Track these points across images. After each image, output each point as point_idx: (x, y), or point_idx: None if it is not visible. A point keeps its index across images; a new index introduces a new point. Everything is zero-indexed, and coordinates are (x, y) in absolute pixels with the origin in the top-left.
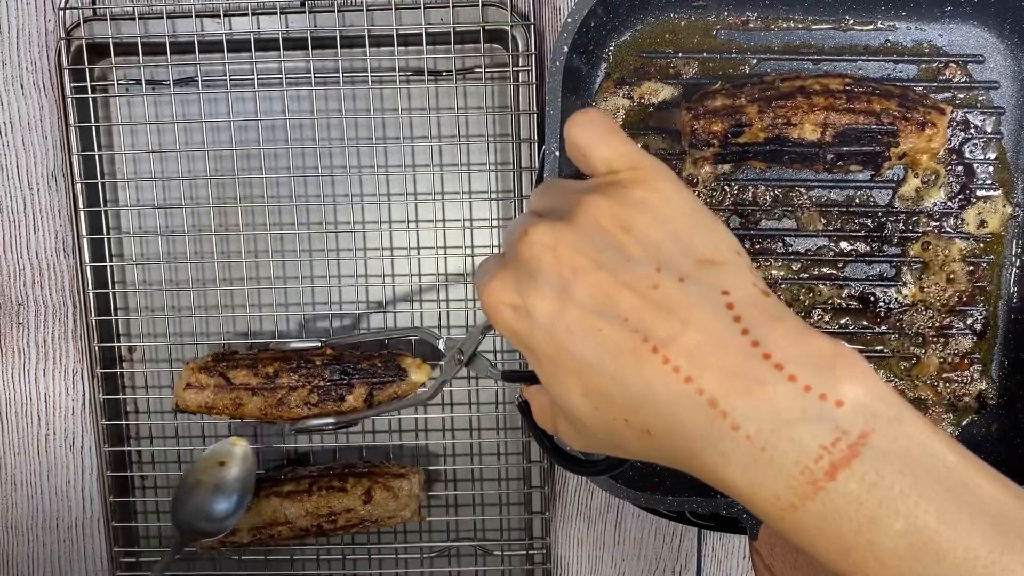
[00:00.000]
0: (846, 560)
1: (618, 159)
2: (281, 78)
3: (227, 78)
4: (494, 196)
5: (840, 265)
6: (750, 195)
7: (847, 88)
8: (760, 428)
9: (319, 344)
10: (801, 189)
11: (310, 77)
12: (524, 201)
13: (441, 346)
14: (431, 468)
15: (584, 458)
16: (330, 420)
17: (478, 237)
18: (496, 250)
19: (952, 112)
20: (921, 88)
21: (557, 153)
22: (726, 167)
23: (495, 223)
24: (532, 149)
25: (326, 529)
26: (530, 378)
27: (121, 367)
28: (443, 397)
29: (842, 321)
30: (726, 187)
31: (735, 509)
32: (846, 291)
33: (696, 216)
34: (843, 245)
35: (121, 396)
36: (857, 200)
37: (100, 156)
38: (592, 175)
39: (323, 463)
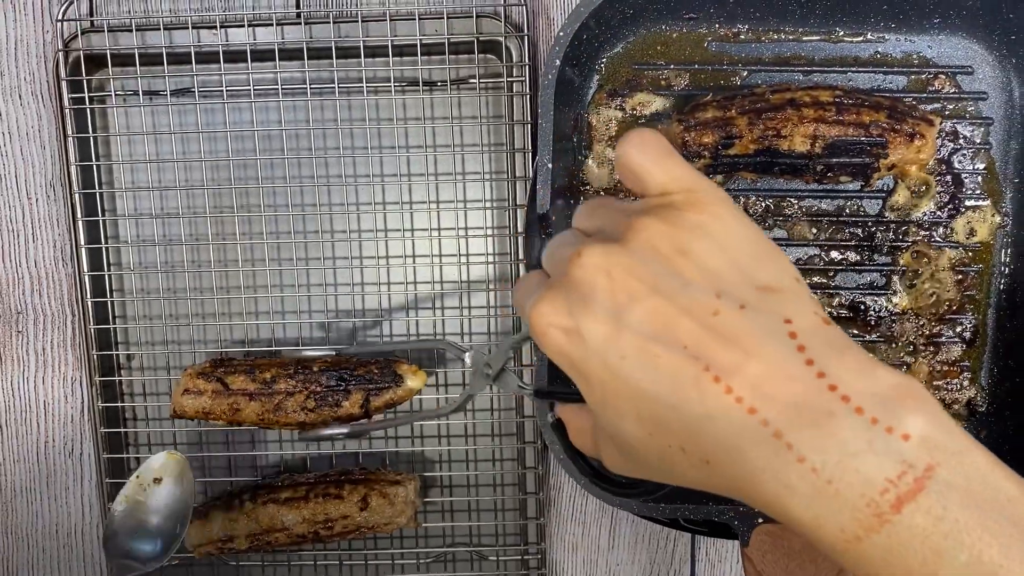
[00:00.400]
0: None
1: (673, 182)
2: (277, 88)
3: (223, 88)
4: (489, 205)
5: (831, 274)
6: (741, 205)
7: (836, 100)
8: (826, 461)
9: (334, 353)
10: (792, 199)
11: (306, 87)
12: (519, 211)
13: (467, 360)
14: (427, 474)
15: (624, 482)
16: (343, 430)
17: (473, 245)
18: (492, 258)
19: (941, 123)
20: (910, 99)
21: (550, 165)
22: (718, 178)
23: (490, 231)
24: (526, 159)
25: (323, 536)
26: (565, 396)
27: (119, 375)
28: (438, 404)
29: None
30: None
31: (726, 516)
32: (836, 300)
33: (755, 242)
34: (833, 254)
35: (119, 404)
36: (847, 210)
37: (98, 166)
38: (643, 196)
39: (320, 470)
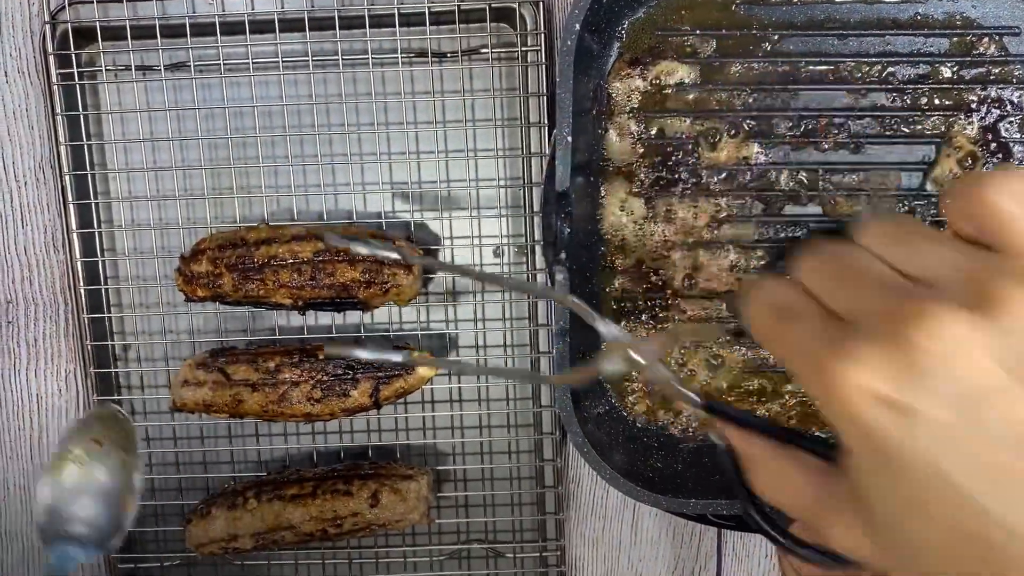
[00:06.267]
0: None
1: None
2: (277, 62)
3: (221, 62)
4: (503, 183)
5: None
6: (773, 179)
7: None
8: None
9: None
10: (827, 173)
11: (308, 60)
12: (534, 189)
13: (602, 330)
14: (440, 468)
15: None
16: (395, 357)
17: (486, 227)
18: (506, 240)
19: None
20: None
21: (569, 138)
22: (754, 147)
23: (503, 212)
24: (542, 134)
25: (332, 534)
26: (746, 421)
27: (116, 366)
28: (451, 394)
29: None
30: (749, 171)
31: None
32: None
33: None
34: None
35: (116, 397)
36: (886, 184)
37: (89, 146)
38: (1010, 253)
39: (328, 465)
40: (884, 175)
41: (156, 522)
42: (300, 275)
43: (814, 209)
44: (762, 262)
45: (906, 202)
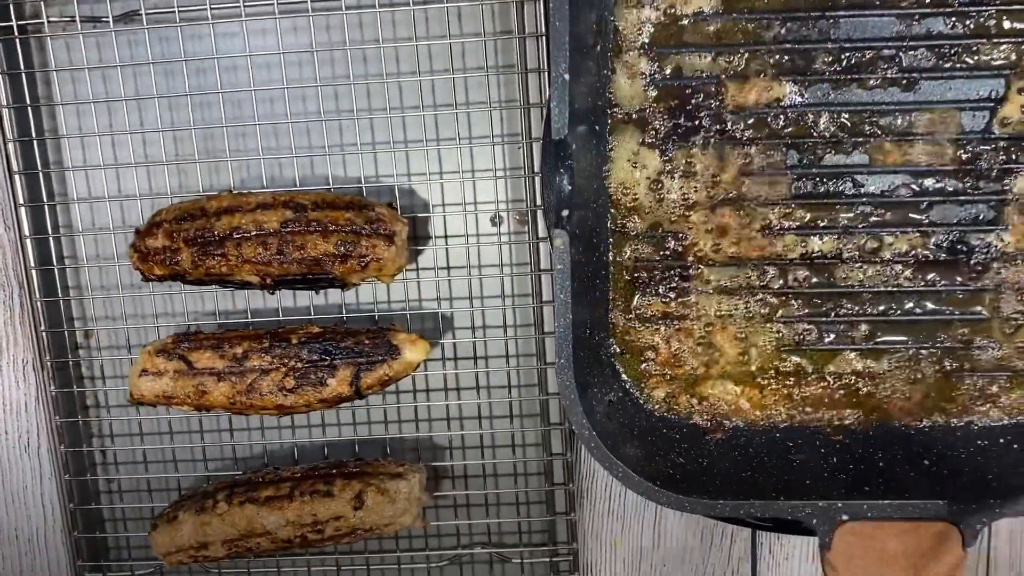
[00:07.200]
0: None
1: None
2: (240, 8)
3: (176, 9)
4: (498, 140)
5: (924, 207)
6: (810, 124)
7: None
8: None
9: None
10: (874, 115)
11: (273, 5)
12: (535, 146)
13: None
14: (436, 464)
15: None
16: None
17: (481, 191)
18: (503, 206)
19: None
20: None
21: (566, 76)
22: (788, 87)
23: (500, 173)
24: (542, 81)
25: (312, 540)
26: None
27: (76, 355)
28: (446, 381)
29: (928, 277)
30: (782, 115)
31: (802, 512)
32: (932, 240)
33: None
34: (928, 182)
35: (75, 389)
36: (944, 127)
37: (36, 108)
38: None
39: (311, 462)
40: (942, 116)
41: (125, 526)
42: (266, 249)
43: (859, 158)
44: (798, 223)
45: (968, 148)
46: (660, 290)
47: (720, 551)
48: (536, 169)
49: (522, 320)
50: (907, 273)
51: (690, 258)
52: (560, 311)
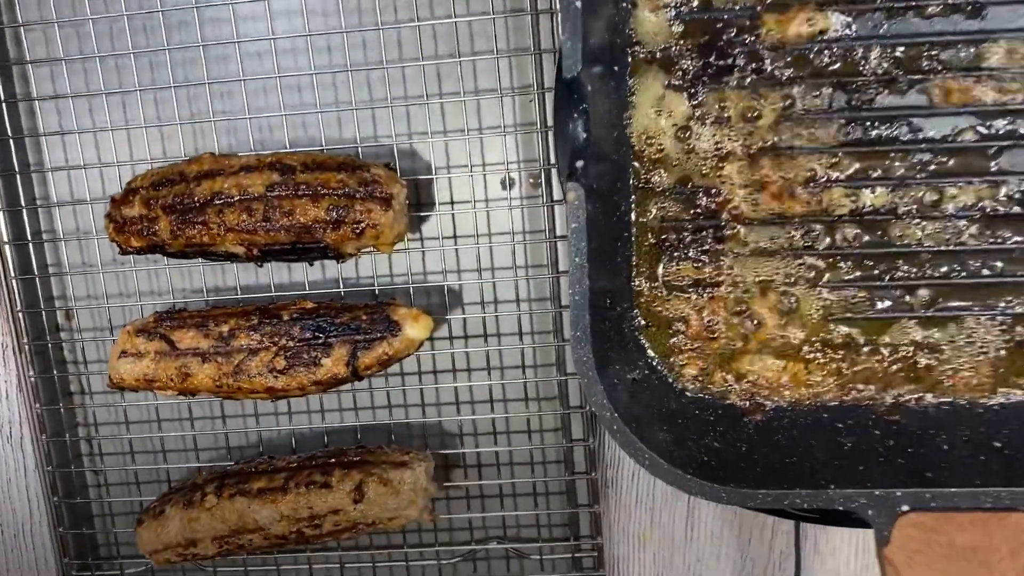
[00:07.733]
0: None
1: None
2: None
3: None
4: (508, 92)
5: (993, 153)
6: (860, 60)
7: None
8: None
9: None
10: (934, 48)
11: None
12: (548, 96)
13: None
14: (445, 452)
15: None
16: None
17: (489, 149)
18: (514, 166)
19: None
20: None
21: (579, 3)
22: (834, 17)
23: (510, 128)
24: (555, 23)
25: (309, 536)
26: None
27: (57, 338)
28: (454, 361)
29: (999, 234)
30: (827, 51)
31: (856, 503)
32: (1002, 191)
33: None
34: (998, 124)
35: (56, 374)
36: (1016, 60)
37: (6, 68)
38: None
39: (309, 451)
40: (1013, 47)
41: (114, 521)
42: (250, 215)
43: (917, 99)
44: (848, 175)
45: None
46: (691, 253)
47: (760, 545)
48: (551, 122)
49: (537, 293)
50: (972, 230)
51: (724, 216)
52: (575, 276)
